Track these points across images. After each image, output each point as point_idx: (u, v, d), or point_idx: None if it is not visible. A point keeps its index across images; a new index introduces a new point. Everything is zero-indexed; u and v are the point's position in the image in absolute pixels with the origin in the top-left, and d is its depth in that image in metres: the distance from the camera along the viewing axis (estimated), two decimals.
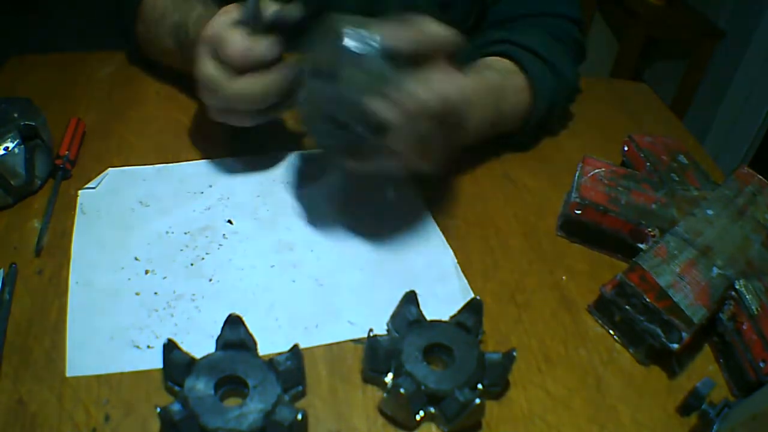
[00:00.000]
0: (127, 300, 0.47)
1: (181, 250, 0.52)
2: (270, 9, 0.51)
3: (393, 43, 0.45)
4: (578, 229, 0.57)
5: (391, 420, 0.42)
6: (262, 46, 0.51)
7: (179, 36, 0.62)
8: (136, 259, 0.51)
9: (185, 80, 0.64)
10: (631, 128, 0.69)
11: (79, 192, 0.57)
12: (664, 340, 0.46)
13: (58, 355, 0.43)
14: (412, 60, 0.45)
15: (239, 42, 0.50)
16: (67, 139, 0.59)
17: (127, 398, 0.41)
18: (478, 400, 0.39)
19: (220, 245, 0.53)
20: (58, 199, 0.55)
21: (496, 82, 0.63)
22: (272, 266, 0.52)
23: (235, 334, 0.43)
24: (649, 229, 0.54)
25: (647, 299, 0.46)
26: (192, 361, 0.41)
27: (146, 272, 0.50)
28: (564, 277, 0.54)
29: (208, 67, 0.52)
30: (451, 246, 0.55)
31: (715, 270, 0.49)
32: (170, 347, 0.41)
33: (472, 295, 0.49)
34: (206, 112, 0.56)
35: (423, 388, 0.41)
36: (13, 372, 0.42)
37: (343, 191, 0.59)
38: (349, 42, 0.44)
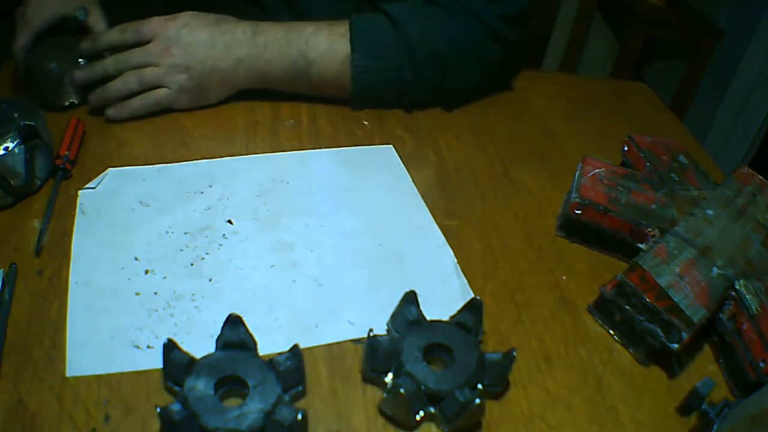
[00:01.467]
0: (127, 300, 0.48)
1: (181, 250, 0.52)
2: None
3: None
4: (578, 229, 0.57)
5: (391, 420, 0.42)
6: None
7: None
8: (136, 259, 0.51)
9: None
10: (631, 128, 0.69)
11: (79, 192, 0.57)
12: (664, 340, 0.46)
13: (58, 355, 0.43)
14: None
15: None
16: (67, 139, 0.59)
17: (127, 398, 0.41)
18: (478, 400, 0.39)
19: (220, 245, 0.53)
20: (58, 199, 0.55)
21: (308, 25, 0.68)
22: (272, 266, 0.52)
23: (235, 334, 0.43)
24: (649, 229, 0.54)
25: (647, 299, 0.46)
26: (192, 361, 0.41)
27: (146, 272, 0.50)
28: (564, 277, 0.54)
29: None
30: (451, 246, 0.55)
31: (715, 270, 0.49)
32: (170, 347, 0.41)
33: (472, 295, 0.49)
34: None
35: (423, 388, 0.41)
36: (13, 372, 0.42)
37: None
38: None
